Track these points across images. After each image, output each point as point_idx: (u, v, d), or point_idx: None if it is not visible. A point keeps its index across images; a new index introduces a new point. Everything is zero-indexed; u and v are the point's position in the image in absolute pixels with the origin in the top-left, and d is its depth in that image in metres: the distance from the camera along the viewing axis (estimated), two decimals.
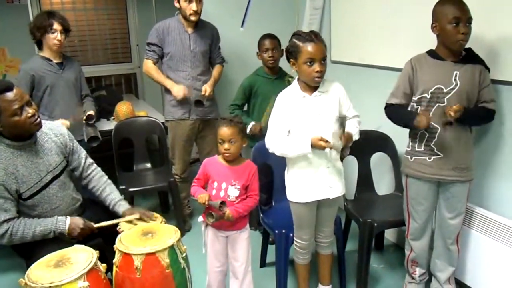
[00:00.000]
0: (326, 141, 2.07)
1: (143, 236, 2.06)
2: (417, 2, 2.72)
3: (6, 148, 2.18)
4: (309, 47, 2.08)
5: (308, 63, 2.09)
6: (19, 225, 2.16)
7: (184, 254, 2.07)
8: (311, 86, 2.18)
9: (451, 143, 2.23)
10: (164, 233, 2.08)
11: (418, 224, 2.41)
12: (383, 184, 3.13)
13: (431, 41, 2.28)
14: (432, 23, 2.20)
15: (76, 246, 2.00)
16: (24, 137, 2.21)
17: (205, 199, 2.20)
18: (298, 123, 2.18)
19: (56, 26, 3.05)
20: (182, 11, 3.16)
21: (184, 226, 3.46)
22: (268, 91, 3.15)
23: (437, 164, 2.28)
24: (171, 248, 1.99)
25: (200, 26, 3.29)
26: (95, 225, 2.29)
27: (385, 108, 2.42)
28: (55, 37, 3.05)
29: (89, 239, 2.37)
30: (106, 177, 2.58)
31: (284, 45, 3.02)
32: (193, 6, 3.10)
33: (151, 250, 1.94)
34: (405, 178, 2.42)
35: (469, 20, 2.09)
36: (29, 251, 2.24)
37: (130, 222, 2.33)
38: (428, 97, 2.23)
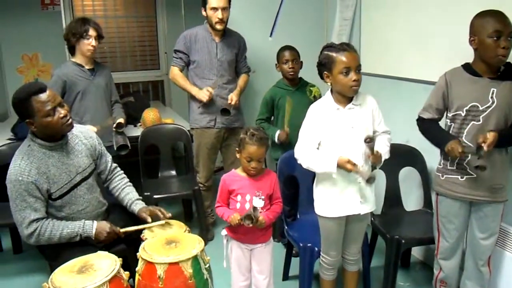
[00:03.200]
0: (354, 164, 2.02)
1: (167, 245, 2.04)
2: (451, 13, 2.65)
3: (39, 148, 2.22)
4: (343, 57, 2.04)
5: (344, 73, 2.05)
6: (47, 225, 2.19)
7: (207, 265, 2.04)
8: (345, 99, 2.14)
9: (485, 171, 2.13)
10: (188, 243, 2.06)
11: (448, 243, 2.32)
12: (411, 200, 3.04)
13: (465, 54, 2.20)
14: (470, 37, 2.12)
15: (100, 252, 2.00)
16: (56, 138, 2.25)
17: (238, 218, 2.18)
18: (330, 136, 2.14)
19: (92, 32, 3.10)
20: (209, 19, 3.17)
21: (207, 235, 3.44)
22: (290, 101, 3.11)
23: (469, 184, 2.19)
24: (195, 259, 1.97)
25: (228, 35, 3.30)
26: (121, 230, 2.31)
27: (417, 120, 2.35)
28: (89, 43, 3.10)
29: (113, 245, 2.39)
30: (127, 179, 2.63)
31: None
32: (219, 14, 3.10)
33: (174, 260, 1.92)
34: (435, 195, 2.35)
35: (511, 34, 2.00)
36: (54, 254, 2.27)
37: (152, 229, 2.33)
38: (463, 114, 2.15)
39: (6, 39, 5.01)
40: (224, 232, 2.34)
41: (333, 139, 2.13)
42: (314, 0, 3.97)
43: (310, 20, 3.98)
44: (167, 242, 2.07)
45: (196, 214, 3.59)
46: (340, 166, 2.05)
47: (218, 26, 3.15)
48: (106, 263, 1.90)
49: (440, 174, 2.30)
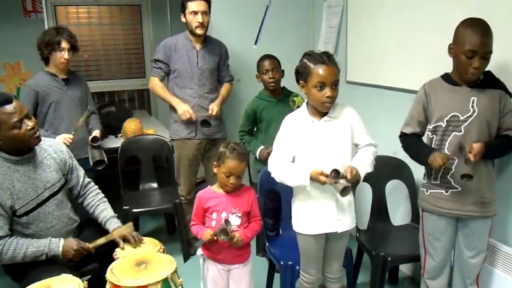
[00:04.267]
0: (327, 176, 1.92)
1: (136, 267, 1.94)
2: (437, 22, 2.57)
3: (3, 163, 2.13)
4: (320, 70, 1.94)
5: (319, 87, 1.95)
6: (10, 244, 2.09)
7: (179, 287, 1.93)
8: (320, 112, 2.04)
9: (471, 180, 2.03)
10: (158, 264, 1.95)
11: (435, 262, 2.21)
12: (399, 214, 2.94)
13: (448, 63, 2.11)
14: (450, 44, 2.04)
15: (63, 275, 1.91)
16: (23, 151, 2.17)
17: (210, 234, 2.08)
18: (304, 149, 2.04)
19: (64, 44, 2.99)
20: (189, 25, 3.08)
21: (189, 250, 3.32)
22: (272, 114, 3.02)
23: (455, 198, 2.10)
24: (165, 281, 1.87)
25: (208, 43, 3.21)
26: (90, 245, 2.21)
27: (400, 137, 2.26)
28: (62, 55, 2.99)
29: (85, 263, 2.30)
30: (102, 195, 2.52)
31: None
32: (199, 18, 3.01)
33: (142, 283, 1.82)
34: (421, 212, 2.25)
35: (486, 54, 1.93)
36: (20, 274, 2.17)
37: (124, 247, 2.22)
38: (444, 125, 2.07)
39: None
40: (199, 251, 2.22)
41: (307, 153, 2.03)
42: (300, 8, 3.88)
43: (296, 28, 3.89)
44: (137, 263, 1.97)
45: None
46: (313, 179, 1.95)
47: (199, 31, 3.05)
48: (68, 287, 1.78)
49: (425, 189, 2.21)
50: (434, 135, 2.12)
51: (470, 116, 2.02)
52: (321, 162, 1.99)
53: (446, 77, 2.11)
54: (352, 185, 2.13)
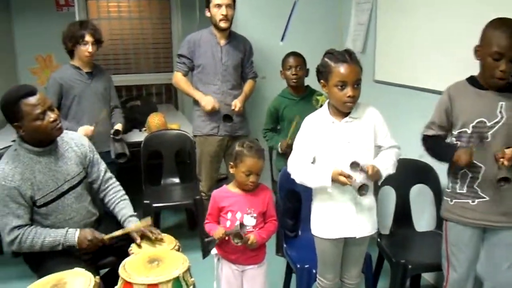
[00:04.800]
0: (348, 176, 1.85)
1: (149, 264, 1.92)
2: (474, 19, 2.41)
3: (26, 154, 2.15)
4: (341, 69, 1.87)
5: (340, 87, 1.88)
6: (29, 233, 2.12)
7: (191, 287, 1.90)
8: (342, 112, 1.97)
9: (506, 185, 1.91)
10: (171, 263, 1.92)
11: (458, 274, 2.10)
12: (423, 220, 2.83)
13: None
14: (476, 46, 1.94)
15: (76, 269, 1.90)
16: (45, 143, 2.18)
17: (221, 232, 2.04)
18: (324, 151, 1.97)
19: (88, 37, 3.02)
20: (213, 18, 3.05)
21: (208, 246, 3.30)
22: (293, 112, 2.96)
23: (482, 208, 1.98)
24: (176, 280, 1.83)
25: (233, 39, 3.17)
26: (106, 236, 2.21)
27: (422, 140, 2.17)
28: (86, 49, 3.02)
29: (102, 256, 2.32)
30: (123, 192, 2.51)
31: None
32: (223, 11, 2.98)
33: (153, 281, 1.80)
34: (444, 222, 2.14)
35: None
36: (38, 264, 2.20)
37: (140, 243, 2.20)
38: (469, 132, 1.96)
39: (21, 40, 5.02)
40: (214, 250, 2.19)
41: (328, 155, 1.97)
42: (329, 3, 3.79)
43: (324, 24, 3.80)
44: (149, 261, 1.95)
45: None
46: (334, 180, 1.88)
47: (223, 24, 3.02)
48: (80, 281, 1.79)
49: (449, 199, 2.10)
50: (459, 142, 2.02)
51: (498, 122, 1.91)
52: (342, 163, 1.92)
53: (472, 80, 2.00)
54: (374, 189, 2.07)
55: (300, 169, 2.01)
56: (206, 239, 2.05)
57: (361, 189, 1.83)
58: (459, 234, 2.07)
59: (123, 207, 2.42)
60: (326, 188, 1.94)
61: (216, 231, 2.06)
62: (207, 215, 2.18)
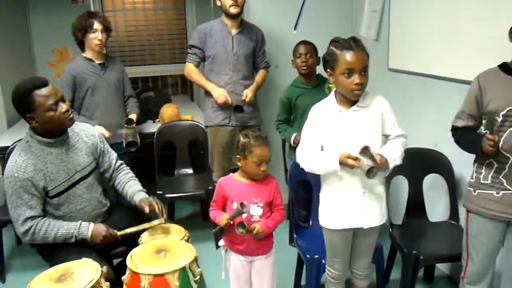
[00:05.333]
0: (356, 158, 1.82)
1: (156, 254, 1.94)
2: (486, 5, 2.35)
3: (37, 145, 2.18)
4: (347, 56, 1.83)
5: (346, 74, 1.85)
6: (42, 224, 2.16)
7: (197, 277, 1.91)
8: (349, 100, 1.93)
9: None
10: (178, 253, 1.94)
11: (476, 267, 2.05)
12: (436, 210, 2.77)
13: (503, 50, 1.90)
14: (511, 28, 1.84)
15: (84, 259, 1.93)
16: (57, 133, 2.22)
17: (226, 218, 2.03)
18: (332, 140, 1.94)
19: (97, 25, 3.02)
20: (223, 6, 3.03)
21: (220, 237, 3.31)
22: (307, 101, 2.91)
23: (507, 200, 1.90)
24: (183, 270, 1.86)
25: (244, 28, 3.15)
26: (119, 233, 2.23)
27: (451, 130, 2.10)
28: (96, 36, 3.02)
29: (113, 247, 2.34)
30: (132, 173, 2.55)
31: None
32: None
33: (159, 272, 1.82)
34: (466, 212, 2.07)
35: None
36: (51, 254, 2.24)
37: (151, 233, 2.23)
38: (499, 120, 1.87)
39: (38, 33, 5.06)
40: (222, 242, 2.18)
41: (336, 144, 1.93)
42: None
43: (338, 12, 3.74)
44: (156, 251, 1.97)
45: None
46: (342, 163, 1.86)
47: (233, 10, 2.99)
48: (87, 272, 1.82)
49: (472, 189, 2.03)
50: (488, 130, 1.94)
51: None
52: (350, 152, 1.88)
53: (504, 67, 1.91)
54: (386, 180, 2.02)
55: (308, 157, 1.98)
56: (213, 230, 2.04)
57: (370, 172, 1.80)
58: (481, 226, 2.01)
59: (132, 185, 2.45)
60: (335, 173, 1.91)
61: (221, 218, 2.04)
62: (212, 202, 2.17)
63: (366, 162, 1.80)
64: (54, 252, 2.21)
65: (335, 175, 1.94)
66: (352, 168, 1.85)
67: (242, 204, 1.99)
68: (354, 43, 1.85)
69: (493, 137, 1.81)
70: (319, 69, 3.03)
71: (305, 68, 2.98)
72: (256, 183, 2.10)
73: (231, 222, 2.04)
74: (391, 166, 1.90)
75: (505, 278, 2.07)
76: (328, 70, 1.93)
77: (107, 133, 2.99)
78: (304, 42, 3.03)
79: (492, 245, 2.01)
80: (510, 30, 1.85)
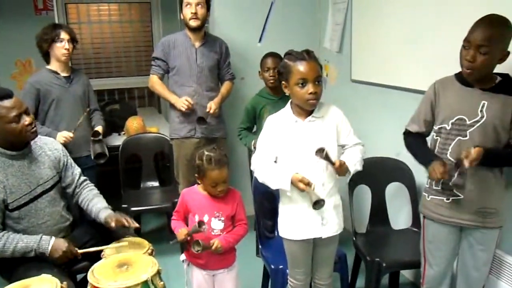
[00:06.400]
0: (308, 183, 1.84)
1: (118, 268, 1.91)
2: (445, 19, 2.44)
3: None
4: (300, 67, 1.88)
5: (301, 84, 1.89)
6: (1, 238, 2.09)
7: None
8: (305, 111, 1.97)
9: (473, 183, 1.92)
10: (140, 267, 1.92)
11: (434, 271, 2.10)
12: (399, 218, 2.83)
13: (458, 62, 1.96)
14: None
15: (43, 275, 1.88)
16: (19, 146, 2.18)
17: (184, 233, 2.02)
18: (288, 150, 1.97)
19: (64, 35, 2.97)
20: (185, 19, 3.04)
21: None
22: (272, 112, 2.90)
23: (456, 206, 1.97)
24: (145, 284, 1.83)
25: (208, 40, 3.16)
26: (80, 251, 2.18)
27: (404, 134, 2.16)
28: (63, 46, 2.97)
29: (76, 262, 2.28)
30: (97, 190, 2.50)
31: None
32: (192, 9, 2.97)
33: (121, 286, 1.80)
34: (422, 218, 2.13)
35: (482, 48, 1.78)
36: (9, 270, 2.17)
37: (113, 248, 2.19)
38: (448, 128, 1.94)
39: (0, 45, 4.95)
40: (182, 256, 2.17)
41: (291, 154, 1.96)
42: (306, 4, 3.79)
43: (302, 25, 3.80)
44: (118, 265, 1.94)
45: None
46: (293, 184, 1.88)
47: (192, 23, 3.00)
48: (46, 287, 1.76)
49: (426, 195, 2.09)
50: (439, 137, 2.01)
51: (478, 121, 1.88)
52: (306, 163, 1.92)
53: (459, 76, 1.97)
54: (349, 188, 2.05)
55: (262, 169, 2.00)
56: (171, 242, 2.02)
57: (317, 203, 1.83)
58: (436, 231, 2.06)
59: (96, 202, 2.40)
60: (286, 191, 1.94)
61: (178, 232, 2.03)
62: (174, 212, 2.16)
63: (316, 194, 1.83)
64: (12, 268, 2.14)
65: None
66: (302, 191, 1.88)
67: (200, 222, 1.98)
68: (307, 55, 1.90)
69: (442, 174, 1.85)
70: None
71: (272, 82, 3.02)
72: (218, 197, 2.10)
73: (188, 239, 2.02)
74: (352, 170, 1.92)
75: (461, 281, 2.12)
76: (283, 82, 1.97)
77: (71, 134, 2.92)
78: (272, 55, 3.06)
79: (448, 250, 2.07)
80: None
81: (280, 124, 2.00)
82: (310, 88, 1.87)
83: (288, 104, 2.03)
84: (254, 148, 2.90)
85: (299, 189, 1.87)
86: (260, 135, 2.06)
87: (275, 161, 2.01)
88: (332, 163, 1.85)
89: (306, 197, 1.93)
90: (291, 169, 1.91)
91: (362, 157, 2.00)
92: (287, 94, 2.00)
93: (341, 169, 1.86)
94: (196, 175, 2.10)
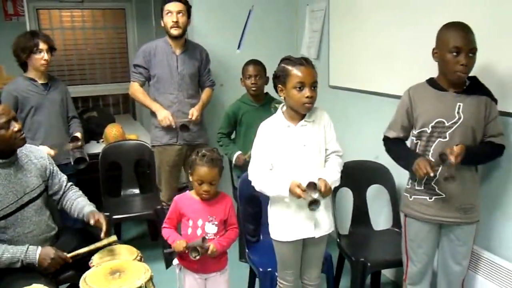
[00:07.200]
0: (304, 190, 1.91)
1: (110, 275, 1.91)
2: (418, 26, 2.56)
3: None
4: (299, 71, 1.95)
5: (298, 88, 1.95)
6: None
7: None
8: (298, 115, 2.03)
9: (454, 183, 2.03)
10: (133, 273, 1.92)
11: (417, 268, 2.19)
12: (380, 219, 2.92)
13: (433, 68, 2.09)
14: (433, 49, 2.03)
15: (34, 285, 1.85)
16: (6, 154, 2.16)
17: (183, 246, 2.04)
18: (281, 155, 2.02)
19: (42, 45, 2.94)
20: (165, 26, 3.05)
21: (171, 257, 3.28)
22: (253, 119, 2.98)
23: (438, 204, 2.07)
24: None
25: (189, 47, 3.19)
26: (69, 254, 2.16)
27: (383, 140, 2.25)
28: (41, 57, 2.94)
29: (62, 271, 2.25)
30: (81, 193, 2.50)
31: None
32: (173, 17, 2.99)
33: None
34: (404, 217, 2.22)
35: (472, 50, 1.91)
36: None
37: (100, 256, 2.17)
38: (429, 131, 2.04)
39: None
40: (175, 261, 2.18)
41: (284, 159, 2.02)
42: (284, 12, 3.87)
43: (280, 32, 3.88)
44: (111, 272, 1.94)
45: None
46: (290, 191, 1.94)
47: (174, 31, 3.02)
48: None
49: (408, 195, 2.17)
50: (419, 141, 2.10)
51: (456, 122, 1.99)
52: (299, 167, 1.97)
53: (431, 82, 2.08)
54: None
55: (259, 177, 2.05)
56: (165, 251, 2.03)
57: (312, 204, 1.89)
58: (417, 229, 2.15)
59: (80, 201, 2.40)
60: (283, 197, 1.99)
61: (177, 243, 2.05)
62: (166, 219, 2.17)
63: (311, 195, 1.90)
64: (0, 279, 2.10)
65: None
66: (298, 198, 1.93)
67: (204, 238, 2.01)
68: (305, 61, 1.98)
69: (429, 168, 1.92)
70: (267, 88, 3.14)
71: (254, 89, 3.05)
72: (211, 202, 2.13)
73: (186, 251, 2.04)
74: (332, 187, 2.00)
75: (440, 275, 2.22)
76: (280, 85, 2.01)
77: (52, 152, 2.89)
78: (253, 63, 3.09)
79: (429, 247, 2.16)
80: (432, 50, 2.04)
81: (272, 130, 2.04)
82: (307, 92, 1.94)
83: (279, 110, 2.08)
84: (236, 163, 2.97)
85: (296, 196, 1.92)
86: (254, 143, 2.09)
87: (271, 168, 2.06)
88: (320, 191, 1.92)
89: (298, 199, 1.98)
90: (288, 176, 1.97)
91: (340, 171, 2.07)
92: (281, 97, 2.04)
93: (327, 193, 1.95)
94: (189, 171, 2.14)
